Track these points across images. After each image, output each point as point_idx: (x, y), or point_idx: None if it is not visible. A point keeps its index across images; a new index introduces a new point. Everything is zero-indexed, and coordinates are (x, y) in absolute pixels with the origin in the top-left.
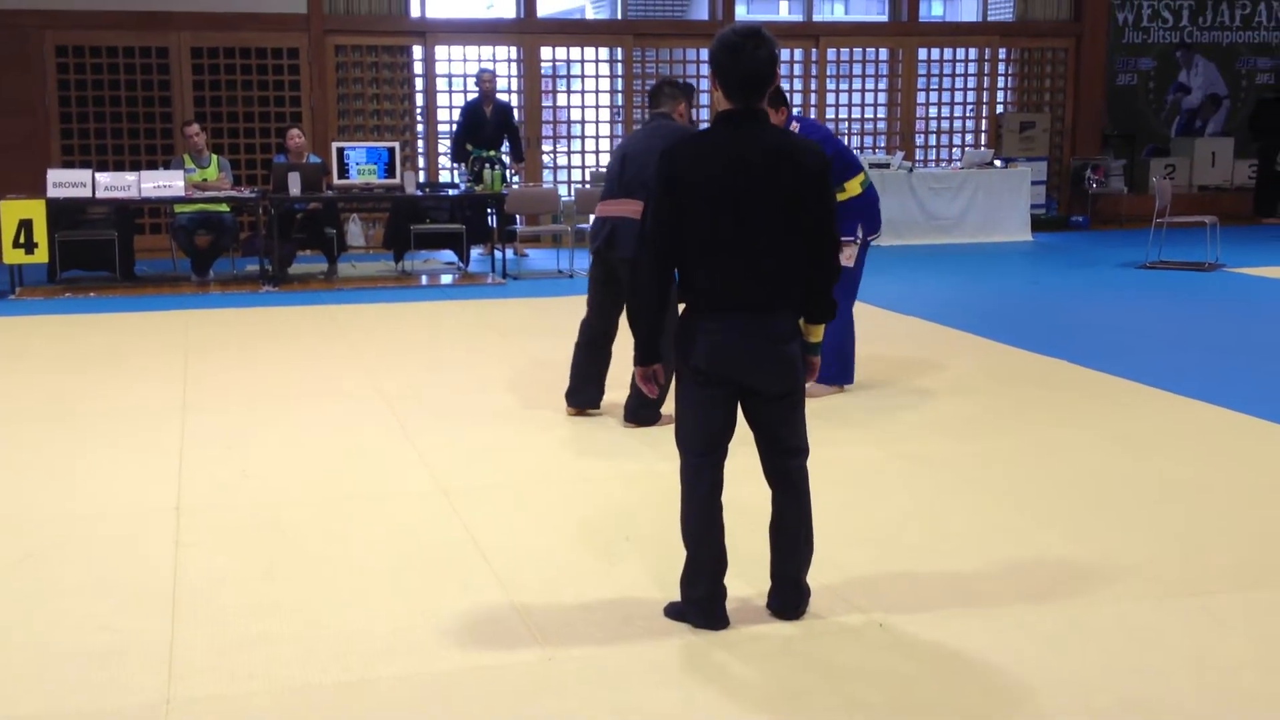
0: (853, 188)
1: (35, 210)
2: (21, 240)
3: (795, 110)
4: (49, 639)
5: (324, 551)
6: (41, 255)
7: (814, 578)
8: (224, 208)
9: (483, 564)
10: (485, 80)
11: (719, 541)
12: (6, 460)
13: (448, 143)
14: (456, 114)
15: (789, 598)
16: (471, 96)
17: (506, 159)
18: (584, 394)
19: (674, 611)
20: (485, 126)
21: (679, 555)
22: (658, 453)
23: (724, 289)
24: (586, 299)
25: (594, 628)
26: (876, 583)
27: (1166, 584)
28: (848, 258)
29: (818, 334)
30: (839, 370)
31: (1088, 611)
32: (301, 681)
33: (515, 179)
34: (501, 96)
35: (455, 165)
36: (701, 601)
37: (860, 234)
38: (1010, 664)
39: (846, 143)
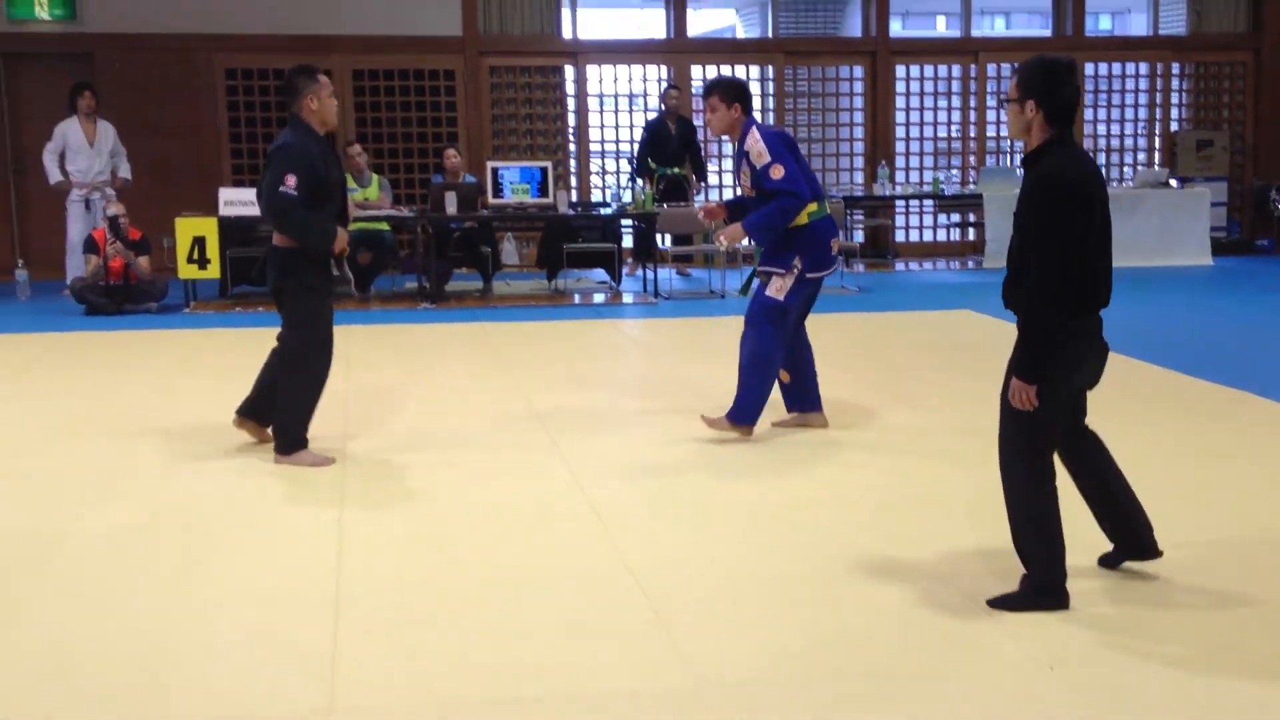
0: (802, 218)
1: (208, 228)
2: (195, 256)
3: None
4: (214, 646)
5: (477, 568)
6: (214, 271)
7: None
8: (384, 226)
9: (634, 586)
10: (671, 97)
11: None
12: (172, 470)
13: (599, 161)
14: (608, 133)
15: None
16: (652, 116)
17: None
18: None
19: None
20: (670, 142)
21: (836, 584)
22: (808, 477)
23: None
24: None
25: (746, 655)
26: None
27: None
28: (778, 290)
29: None
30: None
31: None
32: (456, 697)
33: (699, 196)
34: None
35: (631, 184)
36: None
37: (799, 266)
38: None
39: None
